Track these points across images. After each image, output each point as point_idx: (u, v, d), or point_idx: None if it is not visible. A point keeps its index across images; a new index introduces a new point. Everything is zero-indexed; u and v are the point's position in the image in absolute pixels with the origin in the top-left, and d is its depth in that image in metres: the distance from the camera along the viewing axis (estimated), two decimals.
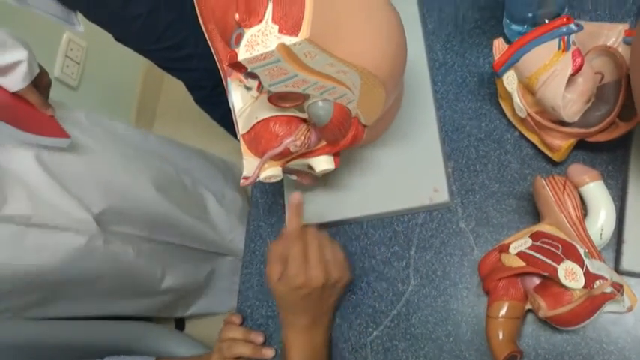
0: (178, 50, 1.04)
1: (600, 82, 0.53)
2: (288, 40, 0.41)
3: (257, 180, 0.54)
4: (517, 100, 0.56)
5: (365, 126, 0.55)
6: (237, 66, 0.43)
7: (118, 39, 1.03)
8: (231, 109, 0.56)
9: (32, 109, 0.82)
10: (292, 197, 0.59)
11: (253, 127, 0.53)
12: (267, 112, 0.52)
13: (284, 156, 0.54)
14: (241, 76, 0.54)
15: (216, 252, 1.25)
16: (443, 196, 0.59)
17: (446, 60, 0.67)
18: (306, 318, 0.58)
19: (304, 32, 0.40)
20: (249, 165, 0.54)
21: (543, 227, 0.51)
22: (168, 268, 1.10)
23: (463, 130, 0.63)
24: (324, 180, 0.65)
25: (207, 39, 0.54)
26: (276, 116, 0.52)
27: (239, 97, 0.55)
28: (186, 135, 1.76)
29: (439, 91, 0.66)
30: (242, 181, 0.54)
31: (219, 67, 0.56)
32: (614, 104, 0.51)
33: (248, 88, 0.55)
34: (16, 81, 0.77)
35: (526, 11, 0.58)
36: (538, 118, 0.55)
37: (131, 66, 1.83)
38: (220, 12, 0.50)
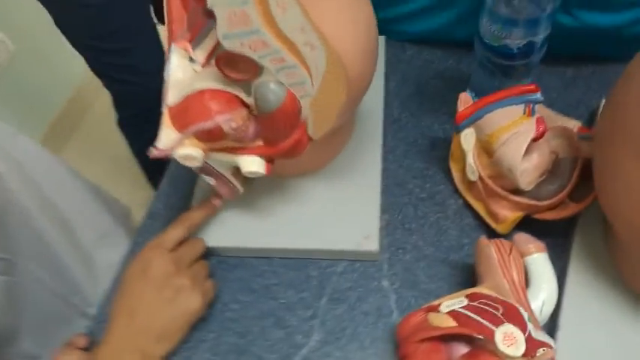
0: (123, 56, 0.95)
1: (556, 159, 0.51)
2: None
3: (170, 155, 0.45)
4: (471, 160, 0.53)
5: (310, 139, 0.49)
6: None
7: (58, 24, 0.94)
8: (165, 77, 0.48)
9: None
10: (215, 199, 0.55)
11: (186, 98, 0.45)
12: (207, 83, 0.45)
13: (213, 137, 0.46)
14: (188, 46, 0.47)
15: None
16: (372, 244, 0.52)
17: (400, 118, 0.64)
18: (125, 314, 0.48)
19: None
20: (167, 137, 0.45)
21: (482, 290, 0.44)
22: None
23: (405, 187, 0.58)
24: (246, 200, 0.56)
25: None
26: (217, 90, 0.45)
27: (178, 67, 0.48)
28: (94, 168, 1.61)
29: (388, 144, 0.62)
30: (151, 150, 0.45)
31: (166, 28, 0.49)
32: (568, 181, 0.49)
33: (192, 60, 0.48)
34: None
35: (489, 89, 0.57)
36: (489, 182, 0.51)
37: (59, 83, 1.70)
38: None
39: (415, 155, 0.60)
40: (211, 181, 0.53)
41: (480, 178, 0.52)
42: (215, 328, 0.52)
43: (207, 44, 0.46)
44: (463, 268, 0.52)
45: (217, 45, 0.44)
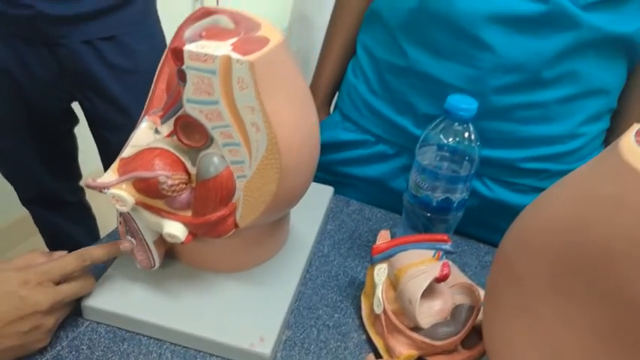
0: None
1: (456, 306, 0.54)
2: (235, 56, 0.44)
3: (104, 190, 0.48)
4: (379, 293, 0.55)
5: (236, 225, 0.53)
6: (177, 54, 0.45)
7: None
8: (130, 138, 0.53)
9: None
10: (124, 243, 0.54)
11: (139, 151, 0.51)
12: (161, 145, 0.51)
13: (148, 190, 0.49)
14: (158, 120, 0.54)
15: None
16: (265, 347, 0.51)
17: (329, 254, 0.68)
18: None
19: (252, 57, 0.44)
20: (108, 177, 0.49)
21: None
22: None
23: (315, 311, 0.59)
24: (160, 278, 0.57)
25: (155, 76, 0.56)
26: (167, 150, 0.50)
27: (143, 134, 0.53)
28: None
29: (310, 272, 0.64)
30: (88, 180, 0.48)
31: (147, 101, 0.56)
32: (463, 327, 0.51)
33: (157, 132, 0.54)
34: None
35: None
36: (392, 316, 0.53)
37: None
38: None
39: (332, 288, 0.63)
40: (132, 241, 0.54)
41: (384, 311, 0.54)
42: None
43: (173, 123, 0.52)
44: None
45: (177, 119, 0.50)
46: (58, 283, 0.49)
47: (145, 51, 1.02)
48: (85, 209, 1.30)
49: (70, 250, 0.57)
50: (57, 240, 1.27)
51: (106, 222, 1.38)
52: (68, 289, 0.49)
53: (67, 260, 0.50)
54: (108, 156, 1.13)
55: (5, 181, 1.16)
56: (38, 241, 1.32)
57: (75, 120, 1.15)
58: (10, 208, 1.68)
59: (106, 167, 1.16)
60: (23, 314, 0.45)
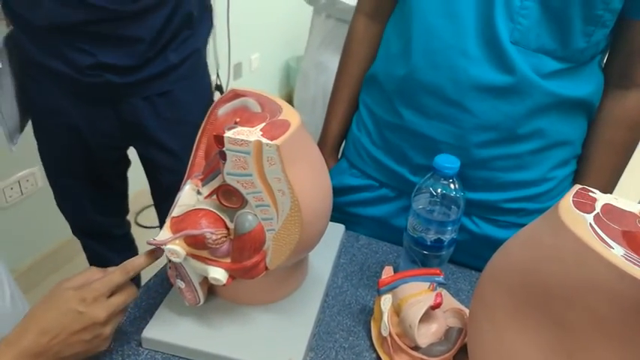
0: None
1: (448, 328, 0.65)
2: (265, 141, 0.56)
3: (162, 246, 0.60)
4: (385, 319, 0.67)
5: (266, 268, 0.65)
6: (219, 140, 0.57)
7: None
8: (176, 199, 0.66)
9: None
10: (158, 252, 0.64)
11: (186, 212, 0.63)
12: (205, 206, 0.63)
13: (196, 244, 0.61)
14: (199, 183, 0.66)
15: None
16: None
17: (342, 285, 0.79)
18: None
19: (279, 141, 0.56)
20: (164, 235, 0.61)
21: None
22: None
23: (333, 335, 0.71)
24: (204, 313, 0.69)
25: (195, 145, 0.69)
26: (210, 211, 0.63)
27: (187, 195, 0.66)
28: None
29: (327, 301, 0.76)
30: (151, 239, 0.60)
31: (188, 167, 0.69)
32: (453, 346, 0.63)
33: (199, 193, 0.67)
34: None
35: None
36: (396, 338, 0.65)
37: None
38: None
39: (347, 314, 0.74)
40: (182, 284, 0.67)
41: (390, 334, 0.66)
42: None
43: (212, 185, 0.65)
44: None
45: (219, 187, 0.63)
46: (110, 295, 0.59)
47: (191, 102, 1.14)
48: (130, 242, 1.43)
49: None
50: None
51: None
52: (118, 300, 0.59)
53: (113, 276, 0.60)
54: (159, 193, 1.27)
55: (46, 211, 1.28)
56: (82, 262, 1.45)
57: (128, 163, 1.28)
58: (54, 235, 1.82)
59: (157, 203, 1.30)
60: (85, 326, 0.56)
